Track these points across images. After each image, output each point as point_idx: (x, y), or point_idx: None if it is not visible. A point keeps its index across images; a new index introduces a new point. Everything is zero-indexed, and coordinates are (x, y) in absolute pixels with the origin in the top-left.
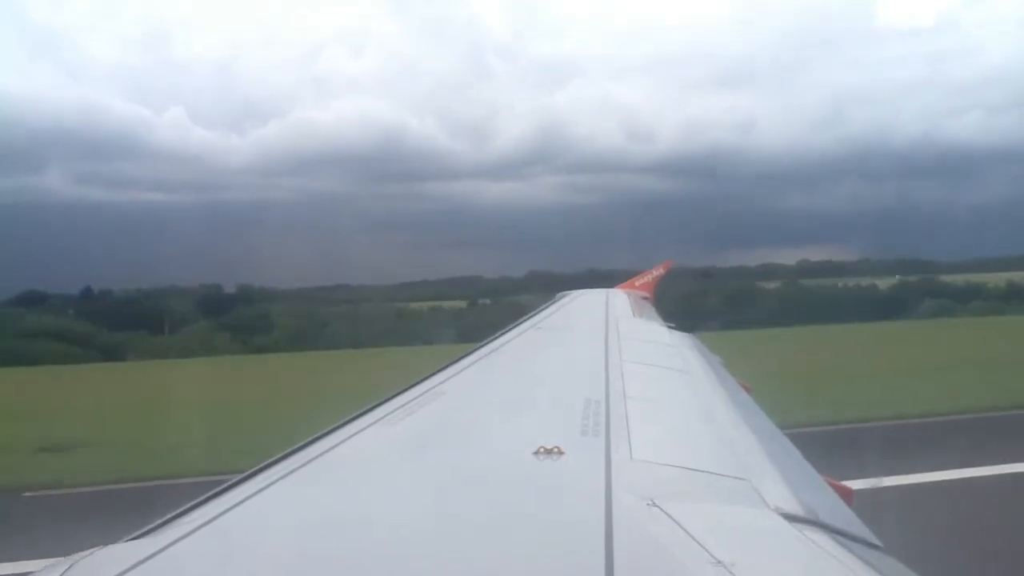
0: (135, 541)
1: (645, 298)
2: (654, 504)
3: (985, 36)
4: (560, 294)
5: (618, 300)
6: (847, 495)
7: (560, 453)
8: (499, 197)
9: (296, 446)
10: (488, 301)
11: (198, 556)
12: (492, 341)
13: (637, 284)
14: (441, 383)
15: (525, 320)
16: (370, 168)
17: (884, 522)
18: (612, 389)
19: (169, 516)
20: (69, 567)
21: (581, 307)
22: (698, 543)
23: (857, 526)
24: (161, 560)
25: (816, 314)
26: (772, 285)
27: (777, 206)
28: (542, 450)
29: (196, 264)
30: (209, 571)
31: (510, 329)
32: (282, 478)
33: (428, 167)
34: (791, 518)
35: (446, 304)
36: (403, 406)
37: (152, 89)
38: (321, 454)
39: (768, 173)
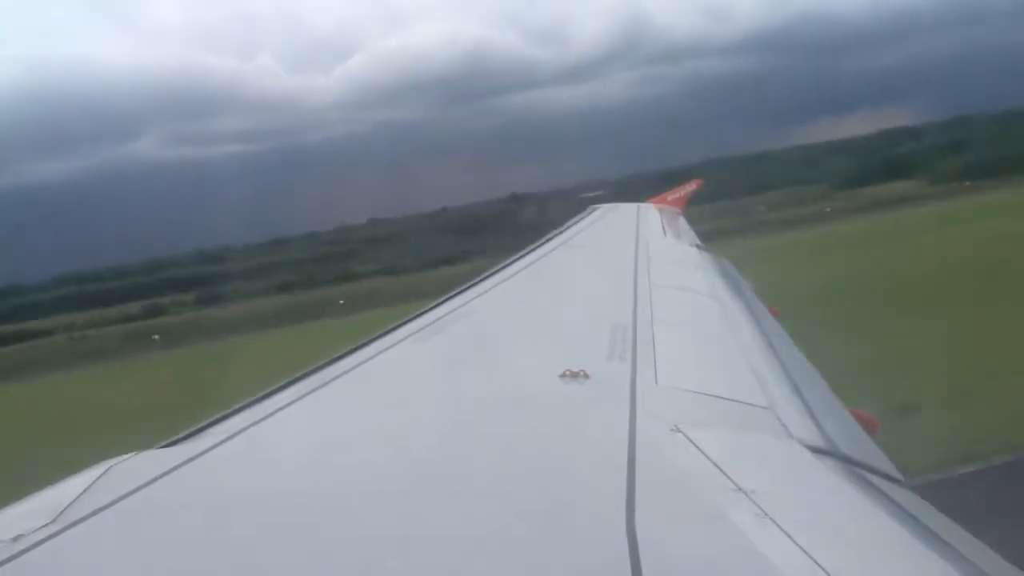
0: (170, 448)
1: (677, 214)
2: (677, 430)
3: None
4: (591, 207)
5: (649, 217)
6: (872, 426)
7: (586, 377)
8: (578, 100)
9: (329, 359)
10: None
11: (230, 464)
12: (524, 256)
13: (669, 199)
14: (472, 300)
15: (556, 235)
16: (453, 88)
17: None
18: (640, 313)
19: (203, 424)
20: (106, 471)
21: (611, 224)
22: (720, 470)
23: (879, 458)
24: (194, 467)
25: None
26: None
27: (865, 68)
28: (568, 373)
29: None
30: (241, 479)
31: (542, 244)
32: (315, 390)
33: (509, 79)
34: (813, 449)
35: None
36: (434, 322)
37: (238, 40)
38: (352, 368)
39: (851, 35)
